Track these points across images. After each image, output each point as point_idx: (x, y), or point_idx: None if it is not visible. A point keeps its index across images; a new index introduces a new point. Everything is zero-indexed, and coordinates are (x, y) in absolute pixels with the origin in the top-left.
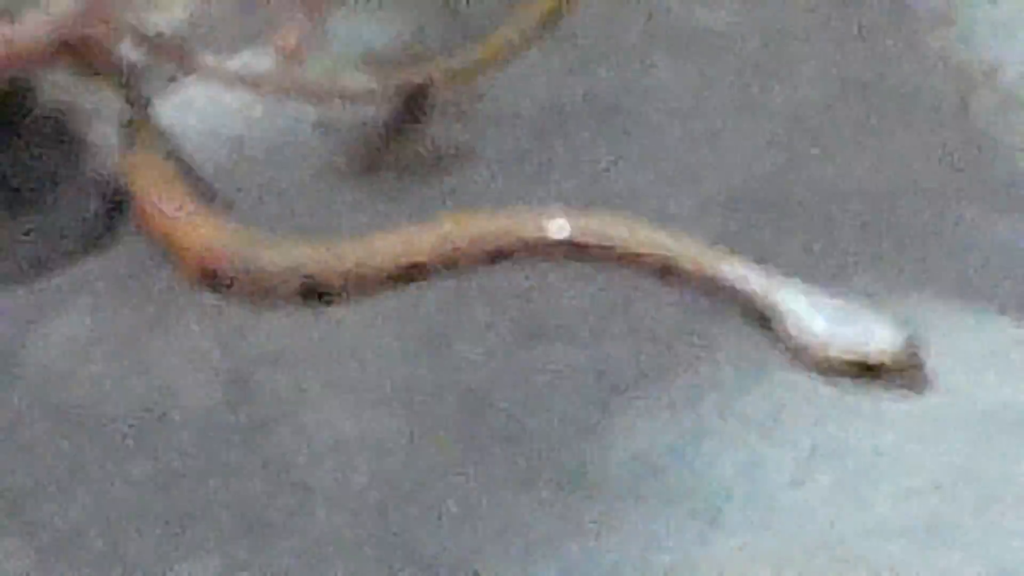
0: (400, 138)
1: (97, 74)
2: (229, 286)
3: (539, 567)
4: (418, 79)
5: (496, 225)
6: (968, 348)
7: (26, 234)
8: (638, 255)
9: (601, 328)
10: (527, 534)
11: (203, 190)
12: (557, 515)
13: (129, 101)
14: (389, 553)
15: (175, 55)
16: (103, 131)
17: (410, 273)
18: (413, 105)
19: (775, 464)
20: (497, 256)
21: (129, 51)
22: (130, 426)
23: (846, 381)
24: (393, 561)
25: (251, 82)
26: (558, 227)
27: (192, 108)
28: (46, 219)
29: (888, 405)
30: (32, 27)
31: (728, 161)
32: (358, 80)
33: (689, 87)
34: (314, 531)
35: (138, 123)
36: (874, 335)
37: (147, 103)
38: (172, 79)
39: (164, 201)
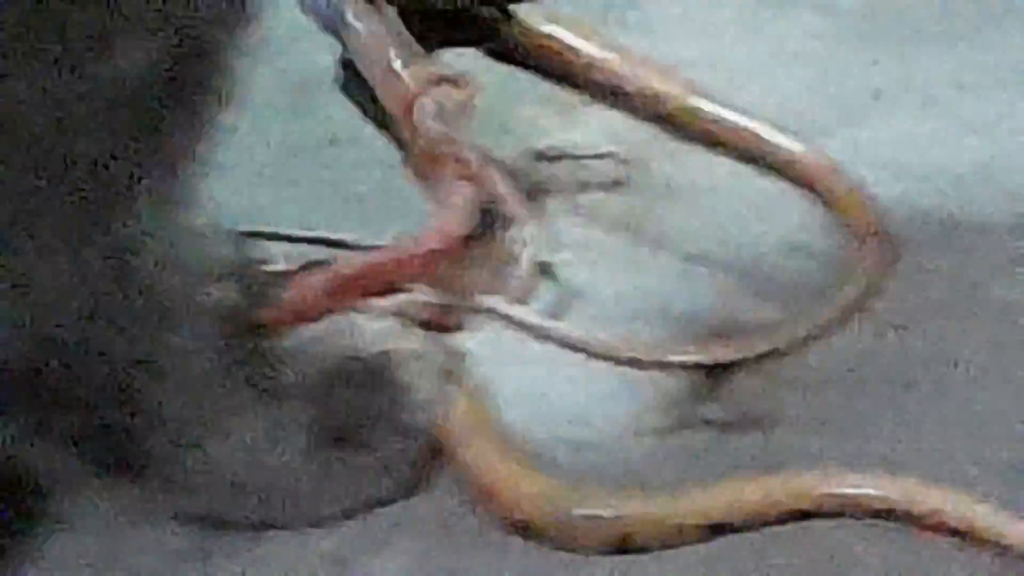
0: (706, 398)
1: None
2: (541, 535)
3: None
4: (730, 354)
5: (800, 485)
6: None
7: (347, 473)
8: (939, 519)
9: None
10: None
11: (516, 438)
12: None
13: (444, 350)
14: None
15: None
16: (421, 376)
17: (719, 528)
18: (718, 370)
19: None
20: (801, 515)
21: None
22: None
23: None
24: None
25: (571, 345)
26: (860, 488)
27: (506, 359)
28: (367, 459)
29: None
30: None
31: None
32: (667, 350)
33: (988, 356)
34: None
35: (454, 371)
36: None
37: (461, 353)
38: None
39: (478, 449)
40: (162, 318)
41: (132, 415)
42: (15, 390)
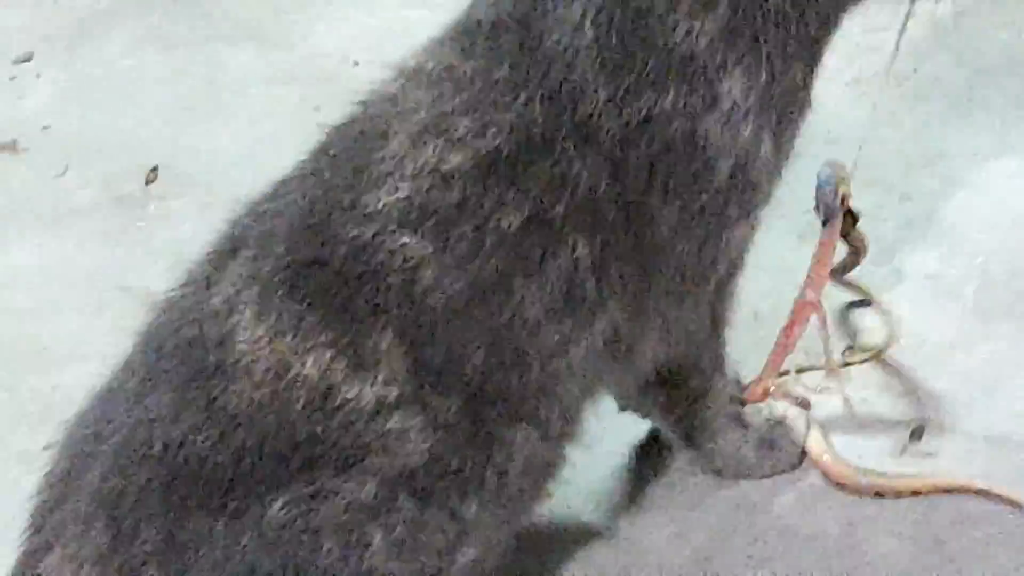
0: None
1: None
2: (846, 489)
3: None
4: None
5: (948, 479)
6: None
7: (775, 457)
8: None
9: None
10: None
11: (832, 448)
12: None
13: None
14: None
15: None
16: (799, 423)
17: (916, 492)
18: None
19: None
20: (946, 491)
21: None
22: None
23: None
24: None
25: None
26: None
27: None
28: (781, 453)
29: None
30: None
31: None
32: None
33: None
34: None
35: (808, 421)
36: None
37: (809, 413)
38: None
39: (820, 452)
40: None
41: None
42: None
